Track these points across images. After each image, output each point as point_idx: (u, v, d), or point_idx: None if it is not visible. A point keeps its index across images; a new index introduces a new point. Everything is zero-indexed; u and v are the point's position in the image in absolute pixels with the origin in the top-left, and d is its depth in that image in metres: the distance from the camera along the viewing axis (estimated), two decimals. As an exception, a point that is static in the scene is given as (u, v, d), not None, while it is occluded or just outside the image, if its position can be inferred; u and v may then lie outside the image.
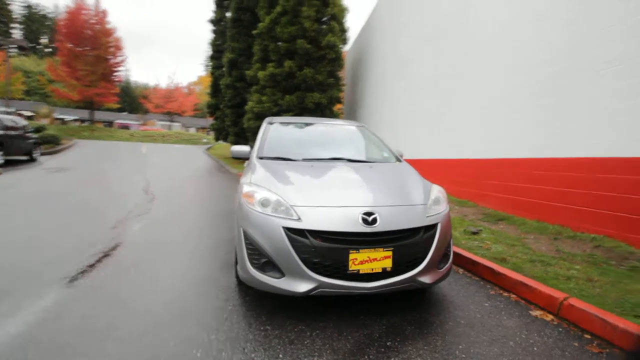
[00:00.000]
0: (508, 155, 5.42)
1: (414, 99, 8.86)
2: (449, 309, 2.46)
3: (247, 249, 2.28)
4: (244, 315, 2.26)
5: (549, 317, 2.35)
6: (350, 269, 2.09)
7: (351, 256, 2.09)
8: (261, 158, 3.09)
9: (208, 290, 2.65)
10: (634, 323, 2.01)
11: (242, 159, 3.55)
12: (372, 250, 2.12)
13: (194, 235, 4.25)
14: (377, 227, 2.14)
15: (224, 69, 19.53)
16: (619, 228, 3.68)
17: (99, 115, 41.07)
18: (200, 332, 2.04)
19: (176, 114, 44.91)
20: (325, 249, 2.09)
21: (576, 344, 2.02)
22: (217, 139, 19.67)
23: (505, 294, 2.73)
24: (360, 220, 2.14)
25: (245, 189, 2.47)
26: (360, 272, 2.11)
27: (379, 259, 2.13)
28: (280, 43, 12.67)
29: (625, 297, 2.51)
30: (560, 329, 2.19)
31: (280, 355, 1.83)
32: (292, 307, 2.37)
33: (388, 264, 2.14)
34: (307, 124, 3.98)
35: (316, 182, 2.58)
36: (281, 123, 3.86)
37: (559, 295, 2.39)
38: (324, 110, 13.07)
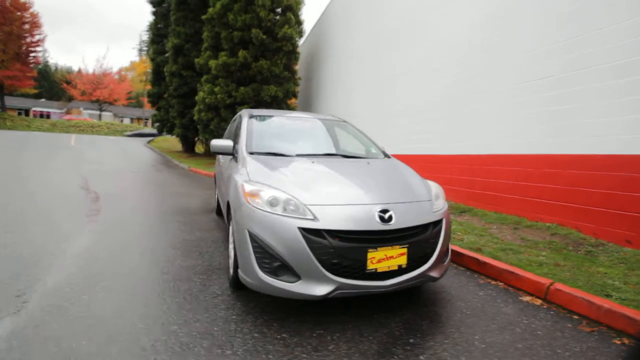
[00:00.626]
0: (466, 152, 5.81)
1: (367, 97, 9.08)
2: (451, 300, 2.54)
3: (255, 252, 2.10)
4: (253, 324, 2.09)
5: (538, 301, 2.55)
6: (368, 268, 2.04)
7: (369, 255, 2.04)
8: (251, 153, 2.88)
9: (201, 300, 2.40)
10: (615, 303, 2.26)
11: (222, 154, 3.28)
12: (389, 248, 2.09)
13: (160, 237, 3.86)
14: (394, 225, 2.12)
15: (167, 54, 18.12)
16: (569, 217, 4.15)
17: (11, 101, 35.56)
18: (213, 348, 1.84)
19: (107, 102, 40.60)
20: (344, 249, 2.01)
21: (569, 325, 2.22)
22: (160, 132, 18.20)
23: (493, 282, 2.91)
24: (377, 218, 2.10)
25: (248, 187, 2.28)
26: (378, 270, 2.07)
27: (395, 256, 2.11)
28: (233, 31, 12.08)
29: (591, 279, 2.82)
30: (552, 312, 2.39)
31: (309, 365, 1.72)
32: (303, 311, 2.26)
33: (403, 260, 2.13)
34: (289, 118, 3.82)
35: (321, 178, 2.47)
36: (262, 116, 3.65)
37: (545, 281, 2.61)
38: (280, 103, 12.83)
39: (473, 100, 5.67)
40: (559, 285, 2.53)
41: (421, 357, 1.82)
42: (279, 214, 2.09)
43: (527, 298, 2.61)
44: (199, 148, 17.56)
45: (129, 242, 3.68)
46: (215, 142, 3.17)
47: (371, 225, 2.07)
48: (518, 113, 4.86)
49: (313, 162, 2.73)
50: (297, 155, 2.93)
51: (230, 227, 2.75)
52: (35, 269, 2.80)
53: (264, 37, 11.86)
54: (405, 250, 2.14)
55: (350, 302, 2.42)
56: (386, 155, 3.40)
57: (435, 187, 2.67)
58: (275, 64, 12.19)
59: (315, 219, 2.04)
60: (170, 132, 17.48)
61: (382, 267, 2.08)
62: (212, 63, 12.16)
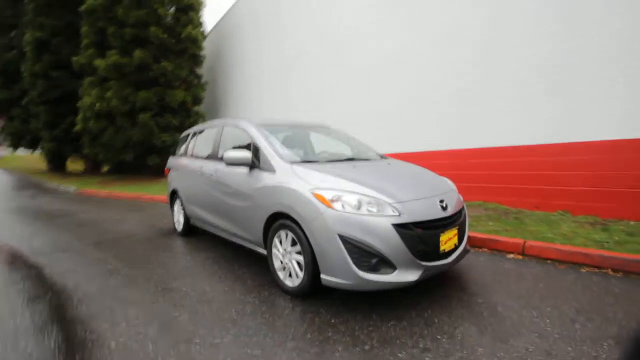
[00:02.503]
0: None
1: (287, 103, 9.49)
2: (470, 267, 3.17)
3: (351, 253, 2.26)
4: (355, 322, 2.25)
5: (520, 256, 3.42)
6: (440, 249, 2.45)
7: (441, 238, 2.45)
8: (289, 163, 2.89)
9: (282, 314, 2.38)
10: (574, 246, 3.26)
11: (239, 165, 3.12)
12: (450, 230, 2.55)
13: (155, 268, 3.39)
14: (450, 211, 2.58)
15: (15, 50, 14.53)
16: (491, 195, 5.43)
17: None
18: (349, 347, 1.93)
19: None
20: (426, 237, 2.37)
21: (552, 268, 3.10)
22: (15, 147, 14.32)
23: (480, 250, 3.70)
24: (440, 207, 2.52)
25: (328, 194, 2.39)
26: (446, 250, 2.50)
27: (452, 237, 2.59)
28: (124, 27, 10.63)
29: (534, 235, 3.88)
30: (534, 262, 3.26)
31: (439, 337, 2.02)
32: (380, 302, 2.51)
33: (456, 240, 2.63)
34: (289, 127, 3.79)
35: (375, 179, 2.70)
36: (264, 125, 3.54)
37: (519, 241, 3.51)
38: (188, 110, 11.95)
39: (408, 110, 6.67)
40: (531, 242, 3.45)
41: (499, 308, 2.34)
42: (368, 215, 2.29)
43: (511, 255, 3.46)
44: (76, 165, 14.58)
45: (132, 279, 3.11)
46: (231, 154, 3.04)
47: (439, 214, 2.49)
48: (444, 121, 6.02)
49: (354, 167, 2.96)
50: (327, 162, 3.08)
51: (277, 239, 2.74)
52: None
53: (165, 36, 10.85)
54: (456, 231, 2.63)
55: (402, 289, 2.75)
56: (382, 156, 3.84)
57: (448, 180, 3.25)
58: (180, 67, 11.27)
59: (400, 214, 2.33)
60: (32, 147, 13.97)
61: (447, 247, 2.52)
62: (100, 63, 10.44)
